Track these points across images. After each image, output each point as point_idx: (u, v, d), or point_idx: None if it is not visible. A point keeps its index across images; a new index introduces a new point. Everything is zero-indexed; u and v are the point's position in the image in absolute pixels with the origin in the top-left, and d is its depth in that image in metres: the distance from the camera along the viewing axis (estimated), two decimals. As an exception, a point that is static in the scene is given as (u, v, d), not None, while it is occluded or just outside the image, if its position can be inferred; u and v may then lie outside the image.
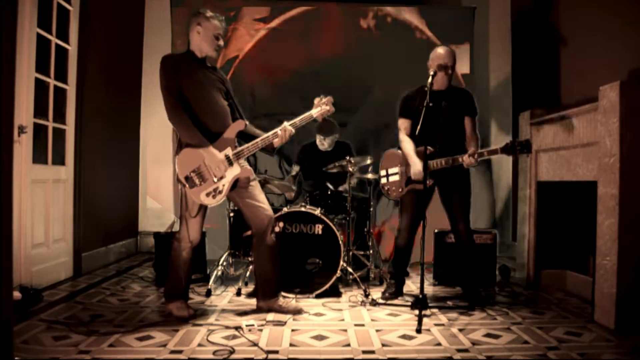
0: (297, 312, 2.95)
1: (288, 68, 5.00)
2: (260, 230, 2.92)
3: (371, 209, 3.98)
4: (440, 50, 3.17)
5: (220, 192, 2.75)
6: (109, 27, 4.46)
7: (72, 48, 3.86)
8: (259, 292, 3.02)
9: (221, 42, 2.83)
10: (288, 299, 3.08)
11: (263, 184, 3.72)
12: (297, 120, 2.90)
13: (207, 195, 2.74)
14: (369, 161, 3.81)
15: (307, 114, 2.94)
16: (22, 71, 3.19)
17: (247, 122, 2.93)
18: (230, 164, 2.78)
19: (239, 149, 2.82)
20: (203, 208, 2.86)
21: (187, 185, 2.73)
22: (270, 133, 2.86)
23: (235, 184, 2.83)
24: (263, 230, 2.91)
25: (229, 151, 2.78)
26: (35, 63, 3.34)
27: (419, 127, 2.86)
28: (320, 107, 2.94)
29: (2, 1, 1.70)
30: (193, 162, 2.72)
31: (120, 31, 4.80)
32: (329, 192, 3.81)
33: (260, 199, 2.93)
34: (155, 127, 5.11)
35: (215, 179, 2.73)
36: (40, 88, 3.46)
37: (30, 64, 3.28)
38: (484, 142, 5.03)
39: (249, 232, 3.41)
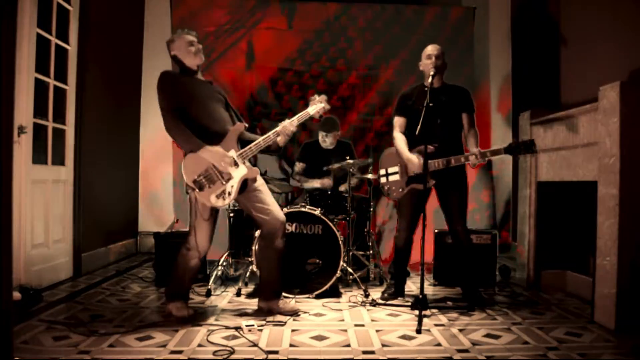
0: (294, 312, 2.96)
1: (290, 68, 5.01)
2: (271, 233, 2.90)
3: (371, 209, 3.98)
4: (428, 46, 3.24)
5: (229, 194, 2.75)
6: (109, 27, 4.46)
7: (72, 48, 3.86)
8: (261, 293, 3.02)
9: (198, 46, 2.84)
10: (286, 300, 3.07)
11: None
12: (295, 118, 2.94)
13: (217, 197, 2.73)
14: (369, 161, 3.81)
15: (304, 112, 3.00)
16: (22, 71, 3.19)
17: (247, 125, 2.95)
18: (236, 165, 2.78)
19: (243, 150, 2.83)
20: (214, 212, 2.85)
21: (196, 189, 2.72)
22: (271, 132, 2.88)
23: (245, 187, 2.83)
24: (274, 234, 2.90)
25: (233, 153, 2.78)
26: (35, 63, 3.34)
27: (419, 127, 2.86)
28: (316, 105, 3.00)
29: (2, 1, 1.69)
30: (199, 166, 2.72)
31: (120, 31, 4.79)
32: (329, 192, 3.81)
33: (270, 202, 2.93)
34: (155, 126, 5.08)
35: (224, 181, 2.74)
36: (40, 88, 3.45)
37: (30, 64, 3.28)
38: (484, 142, 5.03)
39: (252, 231, 3.41)
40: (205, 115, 2.78)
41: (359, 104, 4.99)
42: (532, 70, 4.65)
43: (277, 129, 2.88)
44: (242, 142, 2.90)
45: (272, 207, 2.91)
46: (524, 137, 3.71)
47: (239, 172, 2.78)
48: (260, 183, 2.93)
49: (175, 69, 2.93)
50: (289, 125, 2.89)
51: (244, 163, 2.81)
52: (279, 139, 2.89)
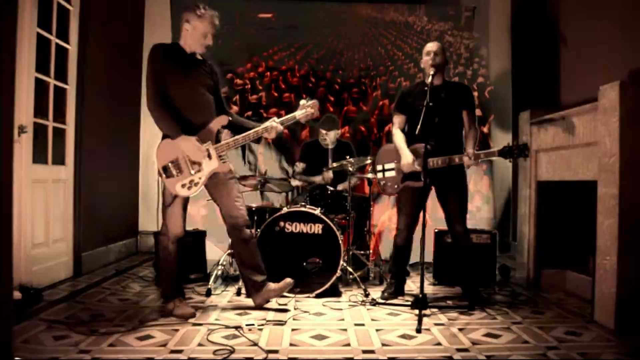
0: (288, 285, 3.01)
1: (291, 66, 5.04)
2: (234, 227, 2.93)
3: (371, 209, 3.98)
4: (428, 43, 3.26)
5: (196, 185, 2.78)
6: (109, 27, 4.46)
7: (72, 48, 3.86)
8: (251, 290, 3.01)
9: (209, 41, 2.83)
10: (271, 284, 3.03)
11: (263, 183, 3.73)
12: (282, 119, 2.96)
13: (183, 186, 2.76)
14: (368, 161, 3.82)
15: (291, 115, 3.00)
16: (22, 71, 3.19)
17: (231, 118, 2.96)
18: (209, 157, 2.79)
19: (219, 144, 2.84)
20: (181, 200, 2.85)
21: (164, 175, 2.75)
22: (252, 131, 2.89)
23: (214, 178, 2.85)
24: (238, 228, 2.93)
25: (209, 145, 2.80)
26: (35, 63, 3.34)
27: (419, 126, 2.86)
28: (305, 110, 2.98)
29: (2, 1, 1.70)
30: (172, 153, 2.75)
31: (120, 31, 4.79)
32: (329, 192, 3.81)
33: (237, 196, 2.94)
34: (155, 126, 5.09)
35: (192, 171, 2.76)
36: (40, 88, 3.45)
37: (30, 64, 3.28)
38: (484, 141, 5.04)
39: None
40: (188, 103, 2.79)
41: None
42: (531, 69, 4.65)
43: (259, 128, 2.90)
44: (232, 126, 2.95)
45: (238, 202, 2.92)
46: (517, 140, 3.73)
47: (210, 165, 2.80)
48: (231, 176, 2.94)
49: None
50: (275, 126, 2.90)
51: (218, 157, 2.82)
52: (265, 134, 2.92)
